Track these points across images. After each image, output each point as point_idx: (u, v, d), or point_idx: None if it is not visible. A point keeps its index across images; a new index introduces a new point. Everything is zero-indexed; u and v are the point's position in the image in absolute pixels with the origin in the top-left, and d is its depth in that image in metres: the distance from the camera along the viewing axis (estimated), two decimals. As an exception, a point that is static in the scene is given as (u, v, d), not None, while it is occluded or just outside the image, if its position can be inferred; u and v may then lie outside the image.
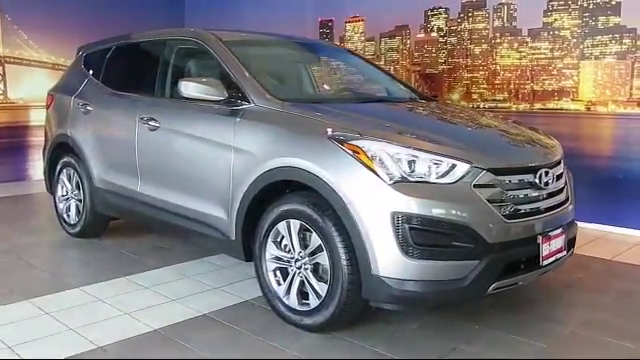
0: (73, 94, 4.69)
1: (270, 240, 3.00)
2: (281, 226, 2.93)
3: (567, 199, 3.14)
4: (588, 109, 5.68)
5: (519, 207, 2.74)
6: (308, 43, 4.82)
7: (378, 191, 2.56)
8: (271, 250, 3.01)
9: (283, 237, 2.96)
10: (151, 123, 3.77)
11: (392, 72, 5.53)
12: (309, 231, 2.82)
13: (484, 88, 6.42)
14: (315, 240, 2.78)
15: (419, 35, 7.11)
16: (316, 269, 2.83)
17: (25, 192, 6.77)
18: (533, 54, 6.02)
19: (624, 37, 5.36)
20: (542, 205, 2.87)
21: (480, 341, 2.82)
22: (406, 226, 2.50)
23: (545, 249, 2.83)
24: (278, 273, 3.01)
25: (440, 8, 6.82)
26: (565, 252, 3.05)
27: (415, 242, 2.51)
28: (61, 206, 4.79)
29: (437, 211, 2.52)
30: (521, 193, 2.78)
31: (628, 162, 5.37)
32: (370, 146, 2.63)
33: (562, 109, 5.82)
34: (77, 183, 4.58)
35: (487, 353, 2.70)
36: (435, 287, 2.58)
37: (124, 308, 3.17)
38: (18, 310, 3.13)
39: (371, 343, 2.76)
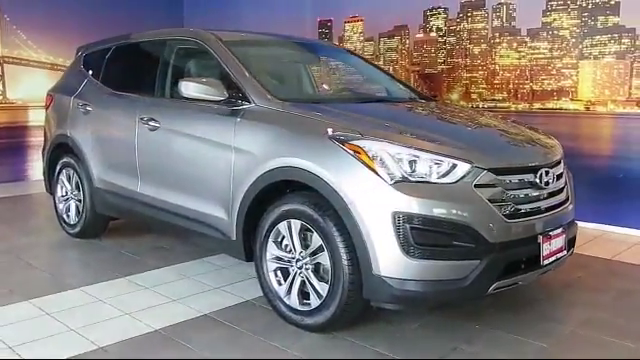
0: (73, 94, 4.68)
1: (271, 240, 3.00)
2: (282, 226, 2.93)
3: (567, 199, 3.15)
4: (587, 109, 5.69)
5: (520, 207, 2.74)
6: (308, 43, 4.82)
7: (379, 191, 2.56)
8: (272, 250, 3.01)
9: (284, 237, 2.96)
10: (151, 123, 3.76)
11: (391, 72, 5.52)
12: (310, 231, 2.82)
13: (483, 88, 6.43)
14: (316, 240, 2.78)
15: (418, 35, 7.12)
16: (317, 269, 2.83)
17: (24, 192, 6.76)
18: (532, 54, 6.03)
19: (623, 37, 5.37)
20: (542, 205, 2.88)
21: (481, 341, 2.82)
22: (407, 226, 2.50)
23: (545, 249, 2.84)
24: (279, 273, 3.01)
25: (439, 8, 6.83)
26: (565, 252, 3.05)
27: (416, 242, 2.51)
28: (61, 206, 4.78)
29: (438, 211, 2.53)
30: (522, 193, 2.79)
31: (628, 161, 5.38)
32: (371, 146, 2.63)
33: (561, 109, 5.83)
34: (77, 183, 4.58)
35: (488, 353, 2.70)
36: (436, 287, 2.58)
37: (125, 308, 3.16)
38: (18, 310, 3.12)
39: (372, 343, 2.76)
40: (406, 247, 2.51)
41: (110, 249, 4.40)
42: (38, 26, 8.07)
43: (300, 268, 2.88)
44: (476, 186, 2.61)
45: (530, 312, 3.20)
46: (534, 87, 6.01)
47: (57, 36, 8.27)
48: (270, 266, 3.02)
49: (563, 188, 3.11)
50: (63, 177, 4.73)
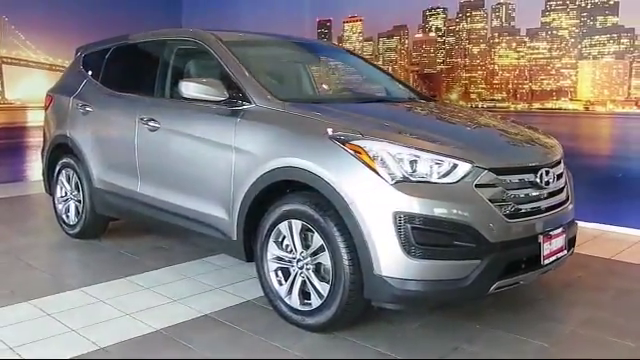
0: (72, 95, 4.68)
1: (272, 240, 3.00)
2: (283, 226, 2.93)
3: (567, 198, 3.15)
4: (586, 109, 5.70)
5: (520, 207, 2.75)
6: (308, 43, 4.83)
7: (380, 191, 2.56)
8: (272, 250, 3.01)
9: (285, 237, 2.96)
10: (151, 124, 3.76)
11: (390, 72, 5.53)
12: (311, 231, 2.82)
13: (482, 88, 6.43)
14: (317, 240, 2.78)
15: (417, 35, 7.11)
16: (318, 269, 2.83)
17: (23, 193, 6.76)
18: (531, 54, 6.04)
19: (622, 37, 5.38)
20: (543, 204, 2.88)
21: (481, 340, 2.83)
22: (408, 226, 2.51)
23: (546, 248, 2.84)
24: (280, 273, 3.01)
25: (438, 8, 6.83)
26: (566, 251, 3.06)
27: (417, 242, 2.51)
28: (60, 207, 4.78)
29: (439, 211, 2.53)
30: (522, 193, 2.79)
31: (627, 161, 5.39)
32: (372, 146, 2.64)
33: (560, 109, 5.84)
34: (76, 184, 4.58)
35: (488, 352, 2.70)
36: (437, 287, 2.58)
37: (125, 309, 3.16)
38: (19, 311, 3.12)
39: (373, 343, 2.76)
40: (407, 247, 2.51)
41: (110, 250, 4.39)
42: (37, 26, 8.06)
43: (301, 268, 2.88)
44: (477, 186, 2.62)
45: (530, 312, 3.21)
46: (533, 87, 6.02)
47: (56, 37, 8.26)
48: (271, 266, 3.02)
49: (563, 188, 3.12)
50: (62, 178, 4.73)
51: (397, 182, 2.55)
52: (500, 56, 6.28)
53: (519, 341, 2.82)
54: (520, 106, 6.12)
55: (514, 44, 6.18)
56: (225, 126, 3.24)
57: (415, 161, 2.60)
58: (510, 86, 6.19)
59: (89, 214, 4.47)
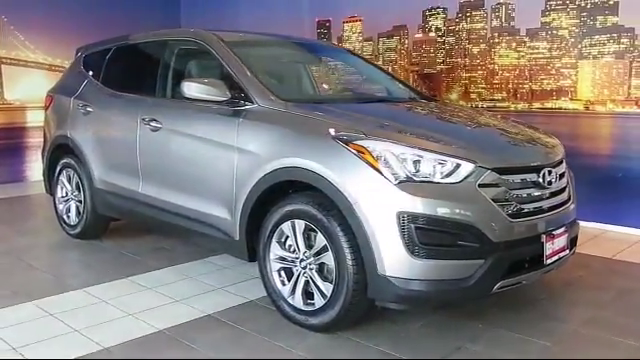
0: (73, 95, 4.67)
1: (274, 240, 3.00)
2: (286, 226, 2.93)
3: (569, 198, 3.16)
4: (586, 108, 5.71)
5: (523, 206, 2.75)
6: (308, 43, 4.84)
7: (383, 191, 2.57)
8: (275, 250, 3.01)
9: (287, 237, 2.96)
10: (153, 124, 3.76)
11: (391, 72, 5.53)
12: (314, 231, 2.82)
13: (482, 88, 6.43)
14: (320, 240, 2.78)
15: (417, 35, 7.12)
16: (321, 269, 2.83)
17: (23, 193, 6.75)
18: (531, 54, 6.04)
19: (622, 36, 5.39)
20: (545, 204, 2.89)
21: (484, 340, 2.83)
22: (412, 226, 2.51)
23: (549, 248, 2.85)
24: (282, 273, 3.01)
25: (438, 8, 6.84)
26: (568, 251, 3.07)
27: (421, 242, 2.52)
28: (61, 207, 4.78)
29: (442, 211, 2.53)
30: (525, 192, 2.80)
31: (627, 161, 5.40)
32: (375, 146, 2.64)
33: (561, 108, 5.85)
34: (77, 184, 4.57)
35: (491, 351, 2.71)
36: (441, 286, 2.59)
37: (128, 309, 3.16)
38: (22, 312, 3.12)
39: (376, 342, 2.77)
40: (411, 247, 2.51)
41: (111, 250, 4.39)
42: (36, 27, 8.04)
43: (304, 268, 2.89)
44: (480, 186, 2.62)
45: (532, 311, 3.21)
46: (533, 87, 6.03)
47: (55, 37, 8.24)
48: (274, 266, 3.02)
49: (565, 187, 3.13)
50: (63, 178, 4.72)
51: (400, 182, 2.56)
52: (500, 56, 6.28)
53: (522, 340, 2.83)
54: (520, 106, 6.12)
55: (514, 44, 6.18)
56: (227, 126, 3.24)
57: (418, 161, 2.60)
58: (510, 86, 6.19)
59: (90, 214, 4.47)
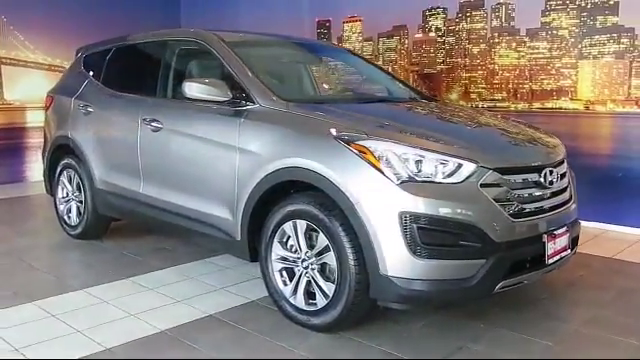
0: (73, 95, 4.67)
1: (276, 240, 3.00)
2: (287, 226, 2.94)
3: (570, 198, 3.16)
4: (587, 108, 5.71)
5: (524, 206, 2.76)
6: (309, 43, 4.85)
7: (385, 191, 2.57)
8: (277, 250, 3.01)
9: (289, 237, 2.96)
10: (154, 124, 3.76)
11: (391, 72, 5.53)
12: (315, 231, 2.82)
13: (483, 88, 6.43)
14: (322, 240, 2.79)
15: (417, 35, 7.11)
16: (323, 269, 2.83)
17: (23, 194, 6.75)
18: (531, 54, 6.04)
19: (622, 36, 5.39)
20: (547, 204, 2.89)
21: (486, 339, 2.84)
22: (414, 226, 2.51)
23: (550, 248, 2.85)
24: (284, 273, 3.01)
25: (438, 8, 6.84)
26: (569, 250, 3.07)
27: (423, 241, 2.52)
28: (62, 208, 4.77)
29: (444, 210, 2.54)
30: (526, 192, 2.80)
31: (627, 160, 5.41)
32: (377, 146, 2.64)
33: (561, 108, 5.85)
34: (78, 185, 4.57)
35: (493, 351, 2.71)
36: (443, 286, 2.59)
37: (129, 310, 3.16)
38: (23, 312, 3.12)
39: (378, 342, 2.77)
40: (413, 247, 2.52)
41: (112, 250, 4.39)
42: (35, 27, 8.03)
43: (306, 268, 2.89)
44: (482, 186, 2.63)
45: (534, 311, 3.22)
46: (533, 87, 6.03)
47: (54, 37, 8.23)
48: (275, 266, 3.03)
49: (566, 187, 3.13)
50: (64, 178, 4.72)
51: (402, 182, 2.56)
52: (500, 56, 6.28)
53: (523, 340, 2.83)
54: (520, 106, 6.12)
55: (514, 44, 6.18)
56: (228, 126, 3.24)
57: (420, 161, 2.60)
58: (510, 86, 6.20)
59: (91, 215, 4.47)
